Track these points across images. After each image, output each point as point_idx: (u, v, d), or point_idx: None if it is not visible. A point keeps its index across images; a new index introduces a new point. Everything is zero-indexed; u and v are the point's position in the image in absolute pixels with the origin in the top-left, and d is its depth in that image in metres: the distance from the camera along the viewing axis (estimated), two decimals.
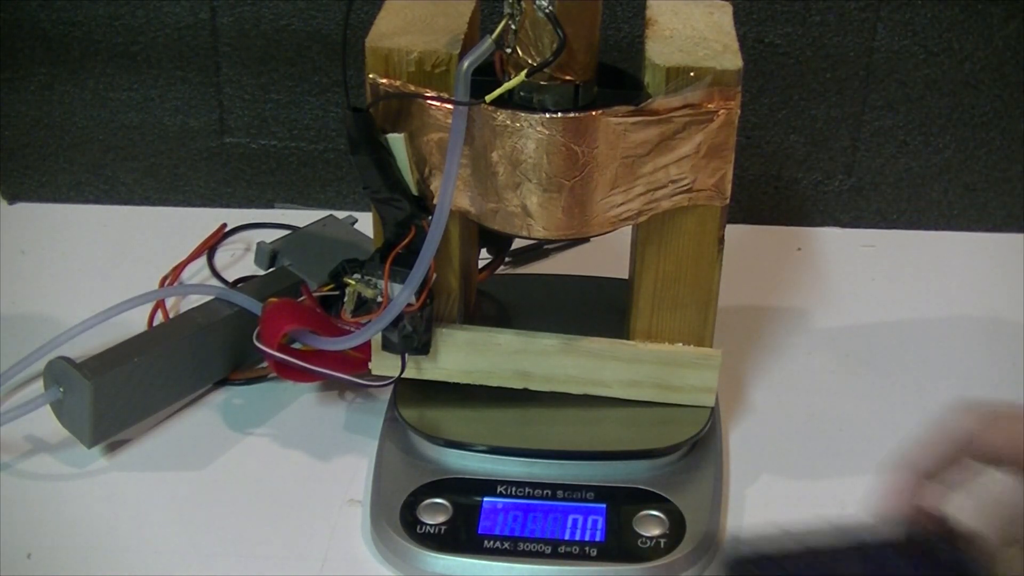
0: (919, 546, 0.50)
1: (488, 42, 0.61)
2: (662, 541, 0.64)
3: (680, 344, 0.70)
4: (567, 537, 0.64)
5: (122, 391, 0.70)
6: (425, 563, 0.63)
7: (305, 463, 0.72)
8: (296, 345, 0.71)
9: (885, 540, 0.51)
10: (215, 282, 0.88)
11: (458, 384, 0.71)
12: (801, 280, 0.90)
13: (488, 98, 0.61)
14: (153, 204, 0.97)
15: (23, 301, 0.86)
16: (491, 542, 0.64)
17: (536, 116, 0.61)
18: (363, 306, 0.69)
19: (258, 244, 0.84)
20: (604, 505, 0.66)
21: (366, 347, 0.70)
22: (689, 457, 0.69)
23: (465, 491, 0.67)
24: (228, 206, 0.97)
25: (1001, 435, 0.50)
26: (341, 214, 0.89)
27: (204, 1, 0.90)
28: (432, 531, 0.64)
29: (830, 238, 0.95)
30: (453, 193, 0.64)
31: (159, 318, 0.80)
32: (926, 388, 0.79)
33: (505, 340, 0.70)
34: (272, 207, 0.97)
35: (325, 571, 0.65)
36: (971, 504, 0.51)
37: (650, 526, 0.65)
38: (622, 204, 0.64)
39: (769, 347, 0.82)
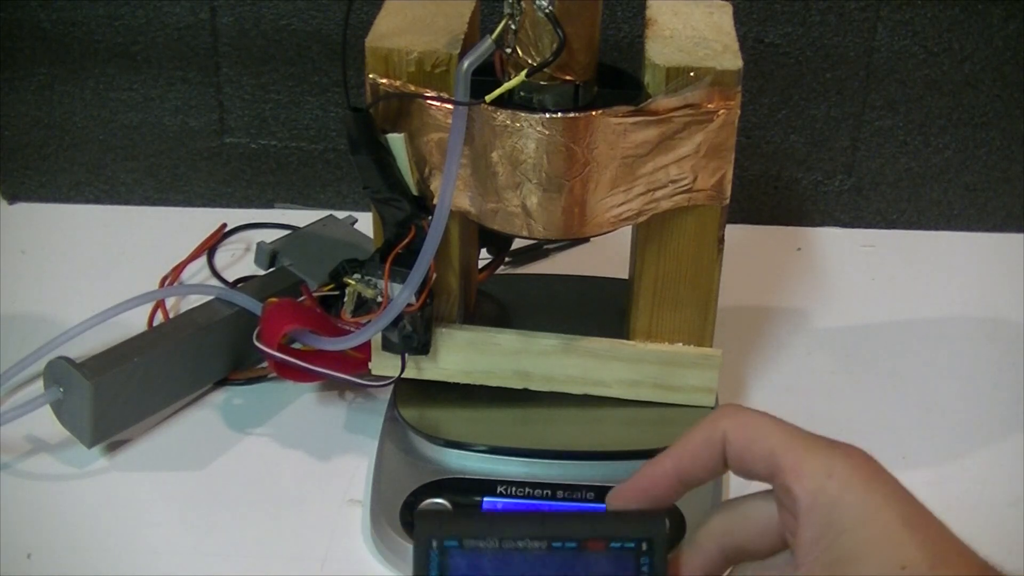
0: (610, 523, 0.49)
1: (488, 42, 0.61)
2: None
3: (680, 344, 0.70)
4: None
5: (122, 391, 0.70)
6: None
7: (305, 463, 0.72)
8: (296, 345, 0.71)
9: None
10: (215, 282, 0.88)
11: (458, 384, 0.71)
12: (801, 280, 0.90)
13: (488, 98, 0.61)
14: (153, 204, 0.97)
15: (23, 301, 0.86)
16: None
17: (536, 116, 0.61)
18: (363, 306, 0.69)
19: (258, 244, 0.84)
20: (604, 505, 0.66)
21: (366, 347, 0.70)
22: None
23: (465, 491, 0.67)
24: (228, 206, 0.97)
25: (745, 440, 0.47)
26: (341, 214, 0.89)
27: (204, 1, 0.90)
28: None
29: (830, 238, 0.95)
30: (453, 193, 0.64)
31: (159, 318, 0.80)
32: (926, 388, 0.79)
33: (505, 340, 0.70)
34: (272, 207, 0.97)
35: (325, 571, 0.65)
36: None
37: None
38: (622, 204, 0.64)
39: (769, 347, 0.82)
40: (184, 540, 0.67)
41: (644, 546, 0.48)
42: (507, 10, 0.62)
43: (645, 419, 0.70)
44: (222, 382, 0.77)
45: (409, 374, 0.71)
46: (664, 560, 0.48)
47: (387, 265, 0.66)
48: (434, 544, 0.48)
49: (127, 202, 0.97)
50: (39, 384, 0.72)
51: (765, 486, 0.48)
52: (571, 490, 0.67)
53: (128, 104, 0.94)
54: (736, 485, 0.70)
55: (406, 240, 0.66)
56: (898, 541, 0.43)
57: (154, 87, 0.93)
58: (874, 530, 0.43)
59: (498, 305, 0.78)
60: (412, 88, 0.63)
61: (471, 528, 0.48)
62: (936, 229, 0.96)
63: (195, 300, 0.79)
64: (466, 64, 0.61)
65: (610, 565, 0.48)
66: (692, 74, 0.62)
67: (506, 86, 0.61)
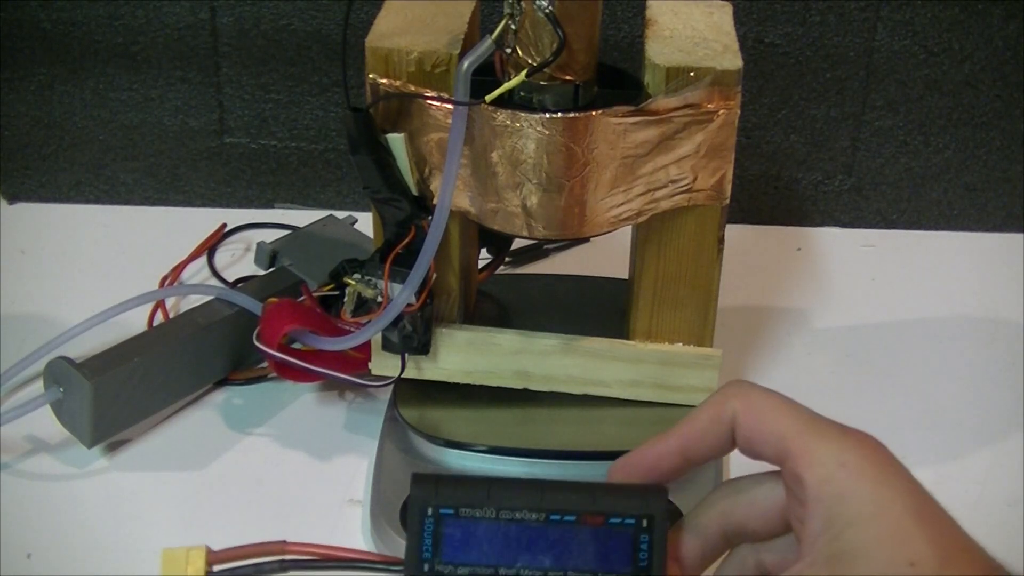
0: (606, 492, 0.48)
1: (488, 42, 0.61)
2: None
3: (680, 344, 0.70)
4: None
5: (122, 391, 0.70)
6: None
7: (305, 463, 0.72)
8: (296, 345, 0.71)
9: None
10: (215, 282, 0.88)
11: (458, 384, 0.71)
12: (801, 280, 0.90)
13: (488, 98, 0.61)
14: (153, 204, 0.97)
15: (23, 301, 0.86)
16: None
17: (536, 116, 0.61)
18: (363, 306, 0.69)
19: (258, 244, 0.84)
20: None
21: (366, 347, 0.70)
22: None
23: None
24: (228, 206, 0.97)
25: (755, 421, 0.46)
26: (341, 214, 0.89)
27: (204, 1, 0.90)
28: None
29: (830, 238, 0.95)
30: (453, 193, 0.64)
31: (159, 318, 0.80)
32: (926, 388, 0.79)
33: (505, 340, 0.70)
34: (272, 207, 0.97)
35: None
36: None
37: None
38: (622, 204, 0.64)
39: (769, 347, 0.82)
40: (184, 540, 0.66)
41: (644, 523, 0.47)
42: (507, 10, 0.62)
43: (645, 419, 0.70)
44: (222, 382, 0.77)
45: (409, 374, 0.71)
46: (663, 538, 0.47)
47: (387, 265, 0.66)
48: (429, 511, 0.47)
49: (127, 202, 0.97)
50: (39, 384, 0.72)
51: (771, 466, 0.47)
52: None
53: (128, 104, 0.94)
54: (736, 468, 0.70)
55: (406, 240, 0.66)
56: (907, 536, 0.42)
57: (154, 87, 0.93)
58: (883, 524, 0.43)
59: (498, 305, 0.78)
60: (412, 88, 0.63)
61: (467, 496, 0.47)
62: (936, 229, 0.96)
63: (195, 300, 0.79)
64: (466, 64, 0.61)
65: (608, 540, 0.47)
66: (692, 74, 0.62)
67: (506, 86, 0.61)
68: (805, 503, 0.44)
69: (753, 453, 0.47)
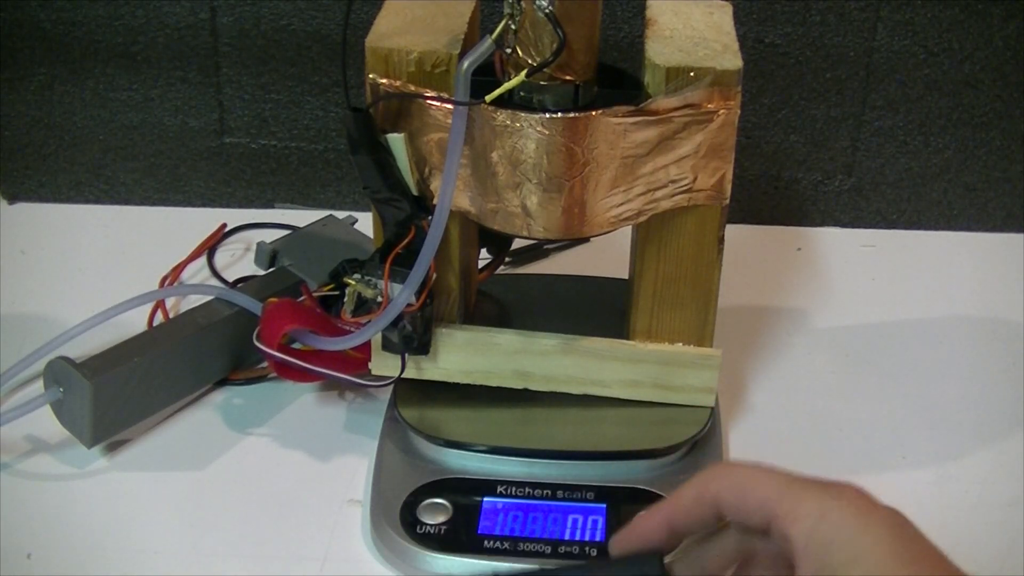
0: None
1: (488, 42, 0.61)
2: None
3: (680, 344, 0.70)
4: (567, 537, 0.64)
5: (122, 391, 0.70)
6: (425, 563, 0.63)
7: (305, 463, 0.72)
8: (296, 345, 0.71)
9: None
10: (215, 282, 0.88)
11: (458, 384, 0.71)
12: (801, 280, 0.90)
13: (488, 98, 0.61)
14: (153, 204, 0.97)
15: (23, 301, 0.86)
16: (491, 542, 0.64)
17: (536, 116, 0.61)
18: (363, 306, 0.69)
19: (258, 244, 0.84)
20: (604, 505, 0.66)
21: (366, 347, 0.70)
22: (689, 457, 0.69)
23: (465, 491, 0.67)
24: (228, 206, 0.97)
25: (739, 496, 0.48)
26: (341, 214, 0.89)
27: (204, 1, 0.90)
28: (432, 531, 0.64)
29: (830, 238, 0.95)
30: (453, 193, 0.64)
31: (159, 318, 0.81)
32: (926, 388, 0.79)
33: (505, 340, 0.70)
34: (272, 207, 0.97)
35: (325, 571, 0.65)
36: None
37: None
38: (622, 204, 0.64)
39: (769, 347, 0.82)
40: (184, 540, 0.67)
41: None
42: (507, 10, 0.62)
43: (645, 419, 0.70)
44: (222, 382, 0.77)
45: (409, 374, 0.71)
46: None
47: (387, 265, 0.66)
48: None
49: (127, 202, 0.97)
50: (39, 384, 0.72)
51: None
52: (571, 490, 0.67)
53: (128, 104, 0.94)
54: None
55: (406, 240, 0.66)
56: None
57: (154, 87, 0.93)
58: (867, 568, 0.44)
59: (498, 305, 0.78)
60: (412, 88, 0.63)
61: None
62: (936, 229, 0.96)
63: (195, 300, 0.79)
64: (466, 64, 0.61)
65: None
66: (692, 74, 0.62)
67: (506, 86, 0.61)
68: (795, 558, 0.46)
69: (745, 525, 0.48)
